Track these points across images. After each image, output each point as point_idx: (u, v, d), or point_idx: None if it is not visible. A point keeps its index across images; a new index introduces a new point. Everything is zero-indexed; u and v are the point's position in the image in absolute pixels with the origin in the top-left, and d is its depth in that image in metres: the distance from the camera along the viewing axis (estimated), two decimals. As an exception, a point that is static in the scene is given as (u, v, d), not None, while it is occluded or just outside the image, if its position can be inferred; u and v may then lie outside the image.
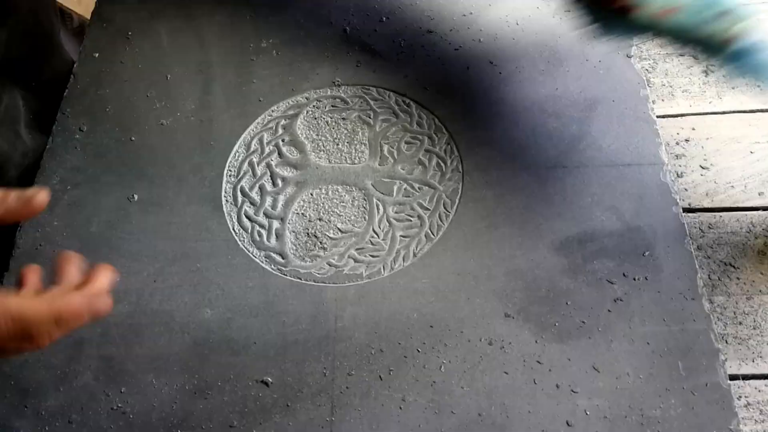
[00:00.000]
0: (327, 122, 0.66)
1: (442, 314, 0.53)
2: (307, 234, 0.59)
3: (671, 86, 0.69)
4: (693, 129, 0.66)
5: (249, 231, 0.60)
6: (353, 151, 0.64)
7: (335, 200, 0.61)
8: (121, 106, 0.68)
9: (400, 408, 0.50)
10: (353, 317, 0.54)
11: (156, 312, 0.56)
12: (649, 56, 0.71)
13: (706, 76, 0.69)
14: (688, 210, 0.61)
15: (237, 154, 0.65)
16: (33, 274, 0.41)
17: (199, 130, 0.66)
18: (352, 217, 0.60)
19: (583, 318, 0.52)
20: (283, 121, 0.66)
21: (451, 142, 0.63)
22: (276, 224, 0.60)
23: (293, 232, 0.59)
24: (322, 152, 0.64)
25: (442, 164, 0.62)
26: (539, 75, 0.66)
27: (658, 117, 0.64)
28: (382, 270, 0.56)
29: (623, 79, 0.65)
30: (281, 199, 0.61)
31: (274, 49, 0.71)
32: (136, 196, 0.62)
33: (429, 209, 0.59)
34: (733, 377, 0.52)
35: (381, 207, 0.60)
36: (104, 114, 0.68)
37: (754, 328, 0.54)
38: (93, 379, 0.53)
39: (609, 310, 0.52)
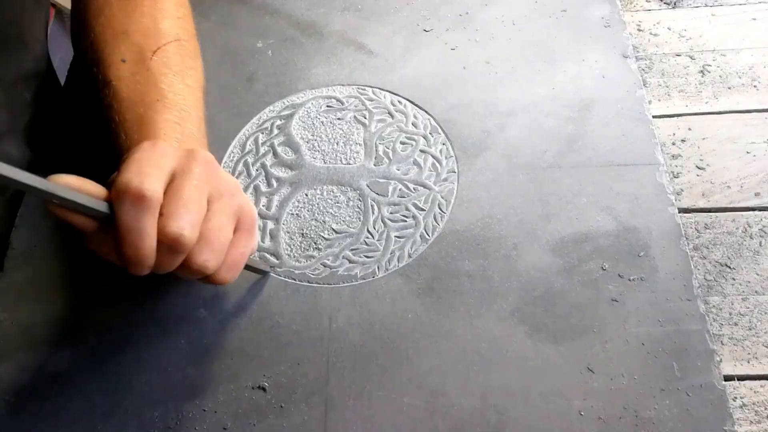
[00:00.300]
0: (322, 122, 0.66)
1: (436, 315, 0.53)
2: (302, 234, 0.59)
3: (667, 86, 0.69)
4: (689, 129, 0.66)
5: (244, 231, 0.60)
6: (348, 151, 0.64)
7: (330, 201, 0.61)
8: (116, 106, 0.68)
9: (395, 409, 0.49)
10: (347, 318, 0.54)
11: (150, 312, 0.55)
12: (645, 56, 0.71)
13: (702, 77, 0.69)
14: (684, 210, 0.61)
15: (232, 155, 0.65)
16: None
17: (194, 130, 0.65)
18: (347, 218, 0.59)
19: (578, 318, 0.52)
20: (278, 122, 0.66)
21: (447, 143, 0.63)
22: (270, 225, 0.60)
23: (288, 232, 0.59)
24: (317, 152, 0.64)
25: (438, 165, 0.61)
26: (535, 75, 0.66)
27: (654, 117, 0.64)
28: (377, 271, 0.56)
29: (619, 79, 0.65)
30: (276, 199, 0.61)
31: (269, 49, 0.71)
32: (130, 197, 0.62)
33: (424, 210, 0.59)
34: (728, 378, 0.52)
35: (376, 207, 0.60)
36: (99, 114, 0.67)
37: (750, 329, 0.54)
38: (86, 381, 0.53)
39: (604, 311, 0.52)
